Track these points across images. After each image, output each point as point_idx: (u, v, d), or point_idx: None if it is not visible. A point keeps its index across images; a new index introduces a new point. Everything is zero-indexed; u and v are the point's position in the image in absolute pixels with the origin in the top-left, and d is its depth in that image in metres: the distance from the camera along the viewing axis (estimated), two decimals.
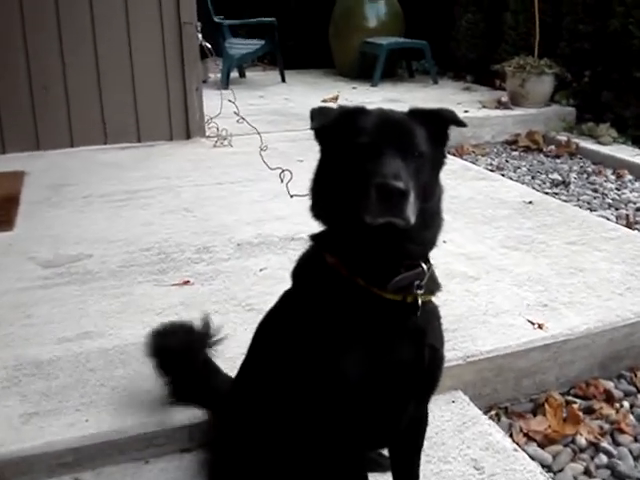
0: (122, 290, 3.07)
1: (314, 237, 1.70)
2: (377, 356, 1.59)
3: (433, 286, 1.69)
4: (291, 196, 4.00)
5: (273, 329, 1.85)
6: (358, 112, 1.61)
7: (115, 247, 3.57)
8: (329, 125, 1.60)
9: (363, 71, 8.78)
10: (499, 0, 8.27)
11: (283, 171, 4.27)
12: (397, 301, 1.59)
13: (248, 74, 9.65)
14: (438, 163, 1.65)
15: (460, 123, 1.67)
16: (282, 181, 4.20)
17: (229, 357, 2.31)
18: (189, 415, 2.19)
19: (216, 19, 8.45)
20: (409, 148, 1.53)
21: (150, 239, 3.66)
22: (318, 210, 1.66)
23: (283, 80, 8.99)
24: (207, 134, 5.78)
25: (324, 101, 7.39)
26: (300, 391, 1.69)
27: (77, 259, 3.42)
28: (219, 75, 8.50)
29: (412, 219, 1.47)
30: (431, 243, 1.65)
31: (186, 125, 5.74)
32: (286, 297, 1.84)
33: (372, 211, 1.46)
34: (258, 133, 5.17)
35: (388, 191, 1.43)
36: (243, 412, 1.88)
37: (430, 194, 1.60)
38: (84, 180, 4.71)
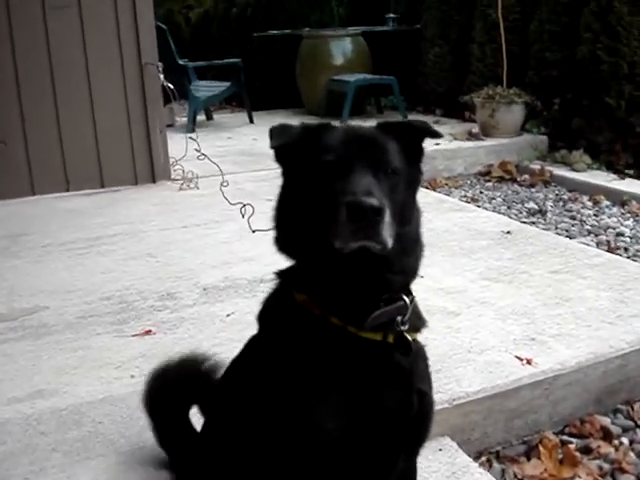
0: (79, 343, 2.86)
1: (280, 274, 1.54)
2: (357, 405, 1.40)
3: (417, 322, 1.52)
4: (253, 231, 3.83)
5: (237, 379, 1.64)
6: (322, 128, 1.47)
7: (73, 297, 3.36)
8: (291, 143, 1.44)
9: (331, 109, 8.65)
10: (465, 33, 8.24)
11: (244, 205, 4.11)
12: (377, 341, 1.41)
13: (216, 116, 9.54)
14: (414, 181, 1.50)
15: (434, 134, 1.54)
16: (243, 216, 4.05)
17: (193, 411, 2.10)
18: None
19: (181, 62, 8.32)
20: (381, 164, 1.39)
21: (110, 287, 3.45)
22: (283, 242, 1.49)
23: (251, 121, 8.86)
24: (173, 177, 5.61)
25: None
26: (271, 447, 1.46)
27: (32, 312, 3.21)
28: (185, 119, 8.36)
29: (389, 242, 1.31)
30: (412, 272, 1.48)
31: (151, 168, 5.57)
32: (252, 343, 1.64)
33: (343, 234, 1.30)
34: (218, 166, 5.00)
35: (360, 209, 1.27)
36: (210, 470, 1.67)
37: (407, 216, 1.44)
38: (44, 229, 4.51)
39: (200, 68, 9.26)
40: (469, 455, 2.26)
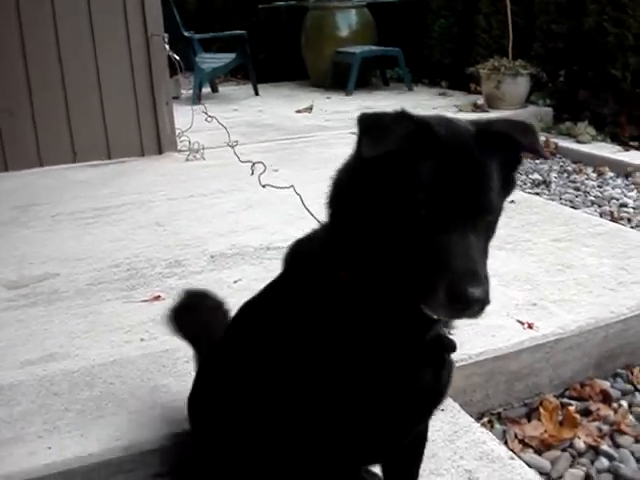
0: (89, 309, 2.91)
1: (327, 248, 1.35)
2: (394, 385, 1.38)
3: None
4: (263, 186, 3.89)
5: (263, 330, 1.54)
6: (423, 136, 1.18)
7: (83, 265, 3.41)
8: (386, 155, 1.16)
9: (337, 81, 8.67)
10: (471, 4, 8.20)
11: (254, 164, 4.17)
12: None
13: (221, 89, 9.54)
14: (506, 199, 1.30)
15: (540, 152, 1.29)
16: (252, 173, 4.12)
17: None
18: (159, 438, 2.04)
19: (186, 33, 8.31)
20: (483, 211, 1.18)
21: (119, 255, 3.50)
22: (352, 251, 1.29)
23: (256, 93, 8.87)
24: (179, 148, 5.63)
25: (298, 111, 7.32)
26: (295, 400, 1.44)
27: (43, 279, 3.26)
28: (191, 91, 8.37)
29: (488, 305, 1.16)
30: None
31: (157, 140, 5.60)
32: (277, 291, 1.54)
33: (438, 311, 1.18)
34: (225, 128, 5.07)
35: (465, 302, 1.12)
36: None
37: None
38: (53, 199, 4.55)
39: (205, 40, 9.27)
40: (471, 416, 2.31)
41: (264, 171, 4.08)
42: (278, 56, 10.31)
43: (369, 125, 1.19)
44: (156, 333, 2.62)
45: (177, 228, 3.90)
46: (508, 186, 1.28)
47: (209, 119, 5.26)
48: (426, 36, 8.86)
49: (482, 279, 1.12)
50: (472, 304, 1.12)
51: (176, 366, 2.39)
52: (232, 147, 4.73)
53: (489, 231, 1.23)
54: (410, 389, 1.40)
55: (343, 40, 8.89)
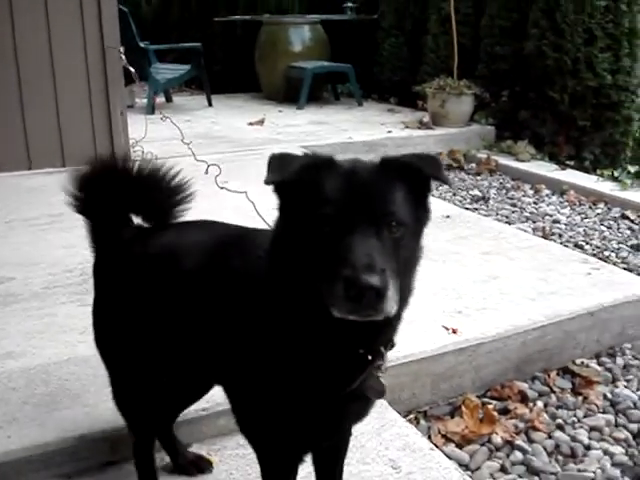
0: (45, 311, 3.07)
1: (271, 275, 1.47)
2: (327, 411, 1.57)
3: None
4: (221, 188, 4.07)
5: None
6: (325, 166, 1.37)
7: (38, 269, 3.55)
8: (289, 181, 1.35)
9: (289, 94, 8.90)
10: (420, 25, 8.53)
11: (209, 166, 4.36)
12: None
13: (175, 99, 9.68)
14: (421, 224, 1.43)
15: (442, 179, 1.42)
16: (207, 173, 4.30)
17: None
18: (110, 429, 2.21)
19: (142, 44, 8.46)
20: (385, 218, 1.31)
21: (73, 261, 3.64)
22: (280, 278, 1.43)
23: (210, 104, 9.05)
24: (133, 158, 5.77)
25: (250, 124, 7.51)
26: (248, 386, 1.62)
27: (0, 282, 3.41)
28: (146, 100, 8.50)
29: (393, 311, 1.29)
30: (400, 321, 1.50)
31: (111, 149, 5.72)
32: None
33: (340, 307, 1.26)
34: (180, 130, 5.23)
35: (359, 289, 1.22)
36: None
37: (412, 266, 1.42)
38: (7, 205, 4.66)
39: (160, 51, 9.41)
40: (399, 413, 2.53)
41: (219, 173, 4.27)
42: (232, 68, 10.50)
43: (275, 160, 1.38)
44: None
45: None
46: (422, 207, 1.43)
47: (163, 120, 5.43)
48: (376, 54, 9.18)
49: (376, 269, 1.23)
50: (365, 290, 1.21)
51: None
52: (193, 152, 4.92)
53: (400, 240, 1.33)
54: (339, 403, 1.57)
55: (296, 55, 9.13)
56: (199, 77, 9.33)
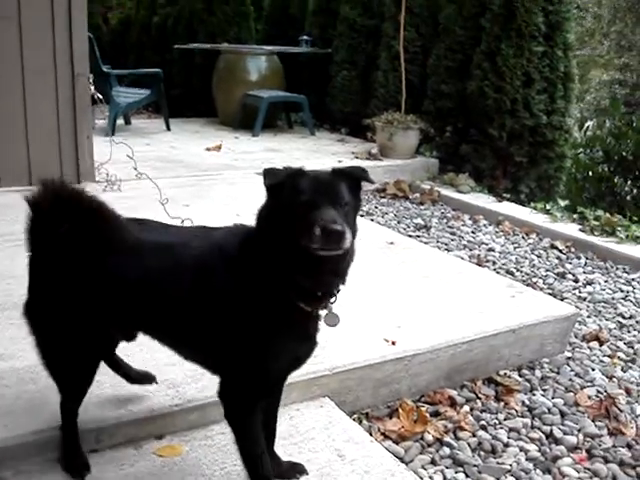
0: None
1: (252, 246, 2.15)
2: (291, 351, 2.21)
3: None
4: (172, 218, 4.41)
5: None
6: (299, 174, 2.08)
7: (18, 282, 3.79)
8: (278, 184, 2.05)
9: (245, 121, 9.29)
10: (371, 60, 9.02)
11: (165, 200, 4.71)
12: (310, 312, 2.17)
13: (133, 121, 9.97)
14: (357, 208, 2.15)
15: (368, 180, 2.18)
16: (163, 204, 4.63)
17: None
18: (96, 421, 2.55)
19: (104, 69, 8.76)
20: (337, 200, 2.02)
21: None
22: (267, 243, 2.10)
23: (168, 128, 9.37)
24: (97, 179, 6.10)
25: (208, 149, 7.87)
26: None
27: None
28: (105, 121, 8.77)
29: (348, 245, 1.97)
30: (349, 268, 2.16)
31: (77, 170, 6.03)
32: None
33: (318, 243, 1.94)
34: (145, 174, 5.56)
35: (330, 231, 1.92)
36: None
37: (353, 227, 2.08)
38: None
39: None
40: (345, 412, 2.92)
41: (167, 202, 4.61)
42: (189, 93, 10.83)
43: (268, 172, 2.08)
44: None
45: None
46: (356, 196, 2.14)
47: (127, 153, 5.75)
48: (329, 85, 9.61)
49: (338, 222, 1.93)
50: (335, 232, 1.91)
51: (105, 367, 2.83)
52: (149, 179, 5.24)
53: (348, 213, 2.04)
54: (300, 355, 2.25)
55: (252, 84, 9.52)
56: (157, 101, 9.65)
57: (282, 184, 2.05)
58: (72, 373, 2.45)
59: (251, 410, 2.22)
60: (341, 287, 2.16)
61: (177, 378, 2.83)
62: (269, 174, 2.08)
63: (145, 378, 2.78)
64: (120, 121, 9.37)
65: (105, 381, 2.78)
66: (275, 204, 2.10)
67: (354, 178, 2.14)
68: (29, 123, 5.81)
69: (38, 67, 5.75)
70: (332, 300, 2.17)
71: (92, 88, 5.91)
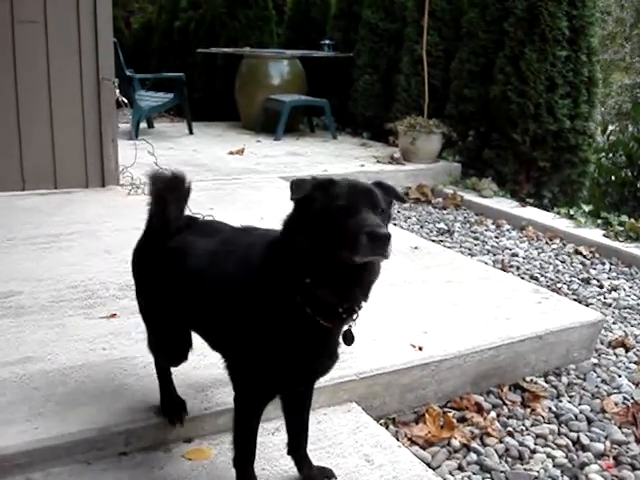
0: (54, 322, 3.40)
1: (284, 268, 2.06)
2: (308, 367, 2.19)
3: None
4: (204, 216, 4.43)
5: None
6: (331, 183, 2.00)
7: (43, 285, 3.89)
8: (307, 196, 1.98)
9: (267, 125, 9.32)
10: (393, 64, 9.03)
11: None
12: (331, 329, 2.10)
13: (156, 125, 10.05)
14: (390, 216, 2.11)
15: (402, 199, 2.21)
16: (188, 209, 4.63)
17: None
18: (125, 423, 2.57)
19: (128, 72, 8.83)
20: (377, 205, 1.96)
21: (76, 278, 3.99)
22: (295, 256, 2.02)
23: (191, 132, 9.43)
24: (121, 182, 6.14)
25: (231, 153, 7.91)
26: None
27: (9, 295, 3.72)
28: (128, 125, 8.84)
29: (391, 253, 1.89)
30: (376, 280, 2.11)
31: (102, 174, 6.08)
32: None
33: (365, 252, 1.85)
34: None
35: (378, 235, 1.84)
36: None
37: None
38: (6, 224, 4.98)
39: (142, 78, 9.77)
40: (372, 417, 2.92)
41: None
42: (212, 97, 10.88)
43: (295, 184, 2.00)
44: (115, 344, 3.15)
45: (124, 256, 4.32)
46: (389, 206, 2.09)
47: (152, 156, 5.78)
48: (351, 89, 9.64)
49: (383, 227, 1.89)
50: (383, 238, 1.84)
51: (135, 370, 2.93)
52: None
53: (384, 219, 1.99)
54: (316, 361, 2.18)
55: (275, 88, 9.55)
56: (180, 105, 9.71)
57: (310, 195, 1.98)
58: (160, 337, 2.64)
59: (253, 416, 2.27)
60: (363, 304, 2.07)
61: (206, 382, 2.85)
62: (296, 186, 2.00)
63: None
64: (143, 124, 9.45)
65: (134, 384, 2.81)
66: (305, 213, 2.01)
67: (390, 192, 2.10)
68: (55, 126, 5.87)
69: (64, 71, 5.81)
70: (354, 317, 2.09)
71: (117, 92, 5.95)
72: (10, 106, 5.70)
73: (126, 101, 6.00)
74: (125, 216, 5.29)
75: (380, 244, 1.84)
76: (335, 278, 1.97)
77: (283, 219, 2.11)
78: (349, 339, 2.19)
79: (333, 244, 1.92)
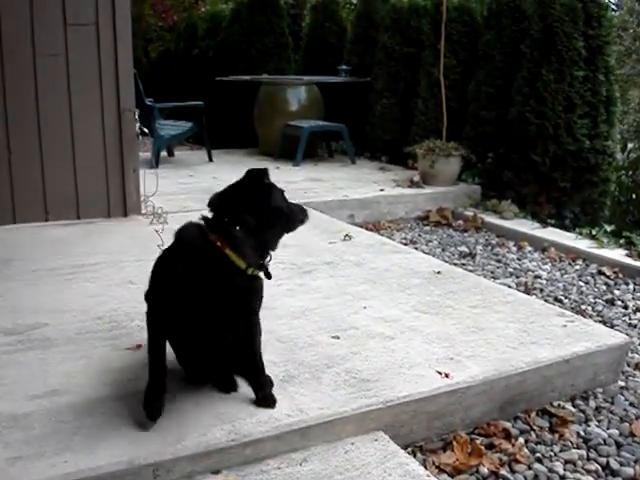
0: (81, 354, 3.42)
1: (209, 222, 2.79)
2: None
3: None
4: None
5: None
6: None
7: (69, 316, 3.91)
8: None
9: (285, 151, 9.35)
10: (411, 87, 9.05)
11: None
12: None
13: (176, 153, 10.10)
14: None
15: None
16: None
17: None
18: (153, 455, 2.58)
19: (147, 102, 8.91)
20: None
21: (100, 309, 4.01)
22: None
23: (210, 159, 9.48)
24: (143, 212, 6.18)
25: None
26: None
27: (35, 327, 3.75)
28: (148, 154, 8.92)
29: None
30: None
31: (124, 203, 6.13)
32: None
33: (302, 219, 2.93)
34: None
35: (307, 214, 2.96)
36: None
37: None
38: (31, 255, 5.03)
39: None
40: (399, 446, 2.91)
41: None
42: (230, 124, 10.94)
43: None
44: (142, 375, 3.13)
45: None
46: None
47: (172, 186, 5.82)
48: (369, 114, 9.66)
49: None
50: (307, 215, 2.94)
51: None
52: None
53: None
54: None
55: (293, 114, 9.59)
56: (199, 133, 9.78)
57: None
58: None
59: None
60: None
61: (232, 412, 2.85)
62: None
63: None
64: (163, 153, 9.52)
65: (161, 415, 2.81)
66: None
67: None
68: (77, 157, 5.93)
69: (85, 103, 5.88)
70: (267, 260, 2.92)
71: (138, 123, 6.01)
72: (33, 138, 5.78)
73: (147, 131, 6.04)
74: (147, 246, 5.27)
75: (306, 217, 3.01)
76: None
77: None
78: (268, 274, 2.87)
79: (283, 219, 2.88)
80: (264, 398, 2.92)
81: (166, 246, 2.88)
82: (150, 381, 2.80)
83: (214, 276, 2.67)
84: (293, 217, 2.89)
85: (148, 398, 2.79)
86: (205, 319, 2.73)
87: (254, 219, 2.70)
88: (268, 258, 2.82)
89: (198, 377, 3.08)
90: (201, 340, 2.87)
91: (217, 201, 2.84)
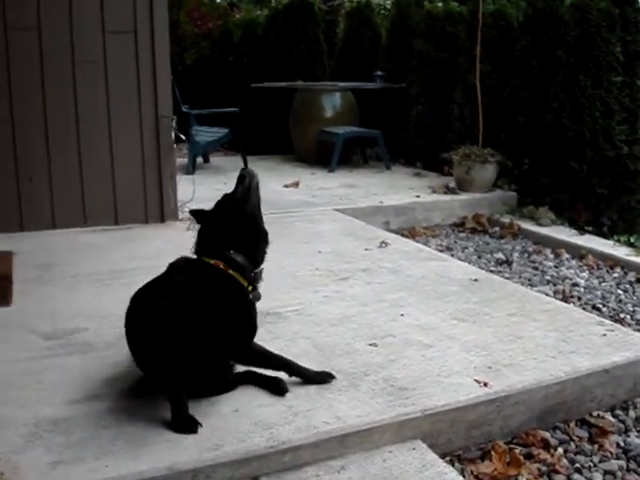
0: (120, 359, 3.42)
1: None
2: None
3: None
4: None
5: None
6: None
7: (108, 321, 3.95)
8: None
9: (320, 157, 9.37)
10: (446, 93, 9.01)
11: None
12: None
13: (212, 159, 10.17)
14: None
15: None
16: None
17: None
18: (193, 461, 2.59)
19: (184, 109, 8.99)
20: None
21: None
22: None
23: (246, 166, 9.50)
24: (180, 217, 6.23)
25: (286, 186, 7.96)
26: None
27: (75, 332, 3.80)
28: (184, 160, 8.97)
29: None
30: None
31: (161, 209, 6.19)
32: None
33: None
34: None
35: None
36: None
37: None
38: (69, 260, 5.10)
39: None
40: (437, 455, 2.90)
41: None
42: (265, 130, 10.97)
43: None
44: None
45: None
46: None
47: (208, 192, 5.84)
48: (404, 120, 9.64)
49: None
50: None
51: (201, 407, 2.95)
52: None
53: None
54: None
55: (328, 120, 9.61)
56: (235, 139, 9.83)
57: None
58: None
59: None
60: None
61: (270, 419, 2.86)
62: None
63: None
64: (199, 159, 9.58)
65: (200, 420, 2.82)
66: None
67: None
68: (115, 163, 6.01)
69: (124, 109, 5.97)
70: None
71: (175, 129, 6.07)
72: (72, 144, 5.87)
73: (183, 137, 6.09)
74: (185, 251, 5.33)
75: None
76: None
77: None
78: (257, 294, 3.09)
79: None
80: (317, 374, 3.15)
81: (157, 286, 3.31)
82: (173, 406, 2.85)
83: (227, 296, 2.90)
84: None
85: (178, 418, 2.83)
86: (220, 337, 2.88)
87: (243, 241, 3.00)
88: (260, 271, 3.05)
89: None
90: (215, 359, 3.01)
91: (204, 231, 3.19)
